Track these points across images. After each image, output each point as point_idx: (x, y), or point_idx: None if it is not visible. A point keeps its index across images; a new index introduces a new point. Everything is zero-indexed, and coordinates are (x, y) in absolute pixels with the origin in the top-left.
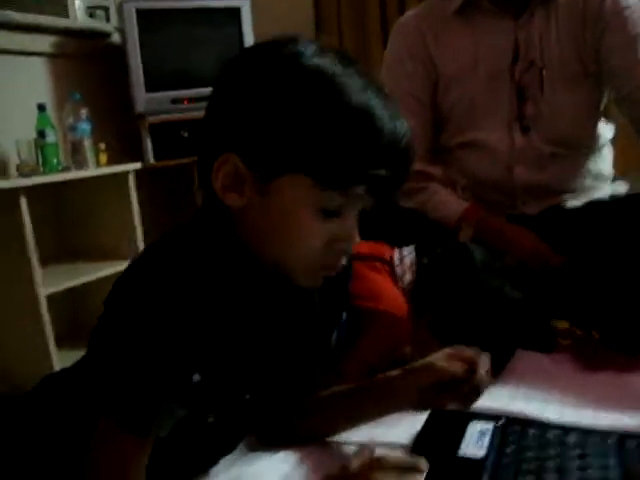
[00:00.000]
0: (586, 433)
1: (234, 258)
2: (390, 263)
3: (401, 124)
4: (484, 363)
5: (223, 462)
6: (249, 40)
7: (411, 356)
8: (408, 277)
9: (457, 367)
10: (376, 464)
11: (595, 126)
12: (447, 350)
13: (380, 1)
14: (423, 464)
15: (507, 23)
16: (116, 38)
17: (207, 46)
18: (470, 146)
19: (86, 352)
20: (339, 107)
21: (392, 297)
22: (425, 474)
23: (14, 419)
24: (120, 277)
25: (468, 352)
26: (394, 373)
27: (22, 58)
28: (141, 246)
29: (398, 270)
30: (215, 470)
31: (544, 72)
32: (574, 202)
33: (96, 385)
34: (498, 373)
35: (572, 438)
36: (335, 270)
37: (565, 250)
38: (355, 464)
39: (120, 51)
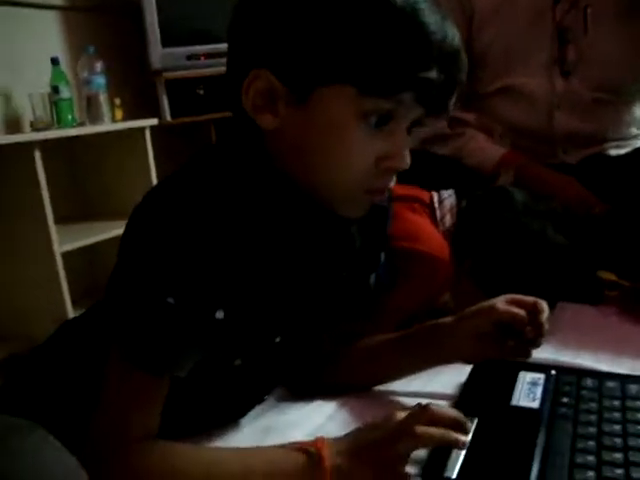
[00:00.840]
0: None
1: (268, 184)
2: (430, 205)
3: (450, 27)
4: (544, 308)
5: (252, 412)
6: None
7: (451, 305)
8: (448, 219)
9: (520, 310)
10: (422, 416)
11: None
12: (506, 296)
13: None
14: (469, 426)
15: None
16: None
17: (224, 1)
18: (507, 92)
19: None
20: (382, 6)
21: (432, 238)
22: (470, 433)
23: (35, 366)
24: (138, 204)
25: (527, 298)
26: (446, 319)
27: (34, 11)
28: None
29: (438, 212)
30: (244, 421)
31: (588, 10)
32: (618, 150)
33: (111, 318)
34: None
35: (633, 389)
36: (383, 194)
37: (608, 200)
38: (400, 415)
39: (135, 5)
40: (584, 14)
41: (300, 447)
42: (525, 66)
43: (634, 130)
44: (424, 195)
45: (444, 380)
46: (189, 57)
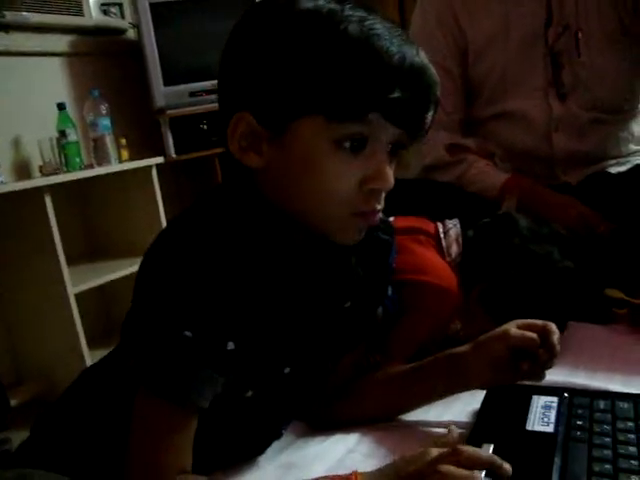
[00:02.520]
0: None
1: (264, 221)
2: (435, 236)
3: (411, 48)
4: (554, 329)
5: (271, 449)
6: None
7: (462, 333)
8: (454, 249)
9: (532, 334)
10: (452, 457)
11: (637, 87)
12: (516, 321)
13: None
14: (507, 466)
15: None
16: (131, 34)
17: (222, 37)
18: (505, 117)
19: (118, 345)
20: (336, 38)
21: (440, 269)
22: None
23: (60, 416)
24: (150, 246)
25: (537, 321)
26: (461, 348)
27: (40, 59)
28: None
29: (444, 243)
30: (263, 457)
31: (580, 34)
32: (618, 168)
33: (132, 355)
34: None
35: None
36: (374, 216)
37: (612, 218)
38: (434, 452)
39: (136, 46)
40: (576, 38)
41: None
42: (522, 91)
43: (633, 146)
44: (429, 226)
45: (459, 408)
46: (191, 94)
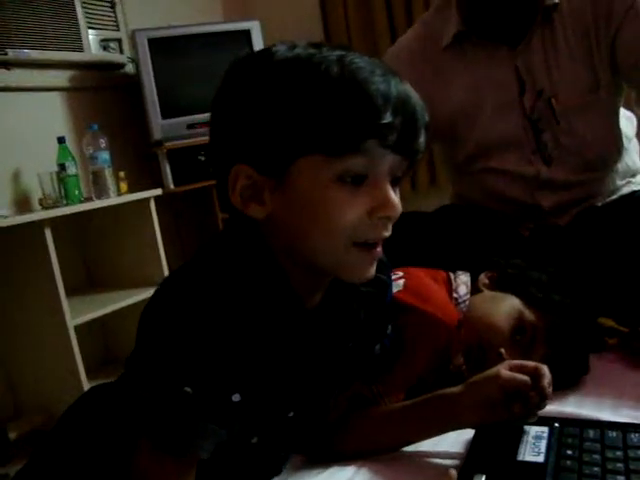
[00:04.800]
0: None
1: (269, 274)
2: (447, 279)
3: (393, 76)
4: (546, 372)
5: None
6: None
7: (464, 369)
8: (463, 290)
9: (524, 376)
10: None
11: (619, 140)
12: (508, 362)
13: (388, 15)
14: None
15: (504, 54)
16: (130, 68)
17: (219, 70)
18: (491, 171)
19: (123, 373)
20: (320, 78)
21: (443, 303)
22: None
23: (57, 441)
24: (152, 296)
25: (529, 363)
26: (456, 388)
27: (40, 94)
28: (166, 271)
29: (453, 283)
30: None
31: (553, 101)
32: (604, 199)
33: (134, 406)
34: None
35: (634, 438)
36: (376, 247)
37: (604, 248)
38: None
39: (135, 80)
40: (550, 105)
41: None
42: (506, 154)
43: (618, 182)
44: (441, 271)
45: (452, 438)
46: (189, 126)
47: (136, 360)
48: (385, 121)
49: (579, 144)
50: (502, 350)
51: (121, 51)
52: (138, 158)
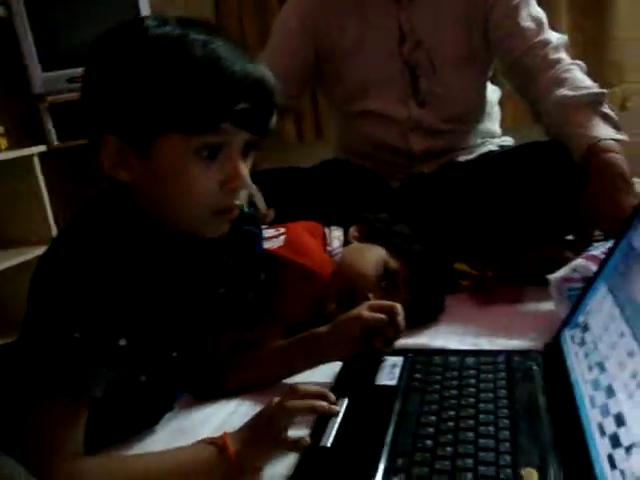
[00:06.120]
0: (481, 355)
1: (140, 230)
2: (322, 232)
3: (252, 63)
4: (400, 311)
5: (164, 419)
6: (145, 13)
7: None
8: (336, 244)
9: (381, 315)
10: (291, 394)
11: (484, 102)
12: (369, 302)
13: None
14: (331, 394)
15: (390, 4)
16: (2, 11)
17: (102, 20)
18: (367, 115)
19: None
20: (183, 61)
21: (317, 255)
22: (334, 401)
23: None
24: (43, 256)
25: (386, 303)
26: (324, 328)
27: None
28: (54, 230)
29: (328, 237)
30: (157, 427)
31: (433, 53)
32: (466, 157)
33: (27, 355)
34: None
35: (469, 360)
36: (233, 211)
37: (462, 200)
38: (276, 399)
39: (8, 29)
40: (430, 57)
41: (210, 441)
42: (383, 95)
43: (479, 140)
44: (318, 225)
45: (324, 370)
46: (70, 80)
47: (29, 316)
48: (239, 107)
49: (451, 96)
50: (370, 295)
51: None
52: (18, 113)
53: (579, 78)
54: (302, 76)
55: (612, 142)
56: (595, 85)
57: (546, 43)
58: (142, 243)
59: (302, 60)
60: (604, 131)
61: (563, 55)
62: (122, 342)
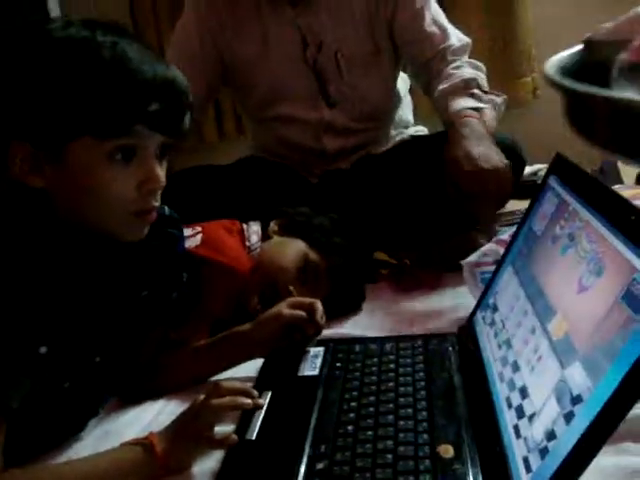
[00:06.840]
0: (399, 340)
1: (58, 237)
2: (240, 229)
3: (161, 64)
4: (319, 307)
5: (89, 425)
6: (53, 6)
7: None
8: (254, 239)
9: (301, 312)
10: (214, 392)
11: (396, 98)
12: (289, 300)
13: None
14: (253, 390)
15: (287, 11)
16: None
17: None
18: (279, 119)
19: None
20: (91, 64)
21: (236, 253)
22: (256, 397)
23: None
24: None
25: (306, 300)
26: (247, 326)
27: None
28: None
29: (246, 232)
30: (83, 432)
31: (338, 55)
32: (381, 148)
33: None
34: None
35: (388, 346)
36: (151, 214)
37: (380, 191)
38: (201, 397)
39: None
40: (336, 59)
41: (136, 442)
42: (292, 100)
43: (392, 132)
44: (236, 222)
45: (248, 365)
46: None
47: None
48: (151, 108)
49: (360, 95)
50: (291, 288)
51: None
52: None
53: (460, 72)
54: (205, 81)
55: (470, 110)
56: (476, 74)
57: (449, 48)
58: (60, 249)
59: (202, 68)
60: (464, 103)
61: (464, 58)
62: (42, 350)
